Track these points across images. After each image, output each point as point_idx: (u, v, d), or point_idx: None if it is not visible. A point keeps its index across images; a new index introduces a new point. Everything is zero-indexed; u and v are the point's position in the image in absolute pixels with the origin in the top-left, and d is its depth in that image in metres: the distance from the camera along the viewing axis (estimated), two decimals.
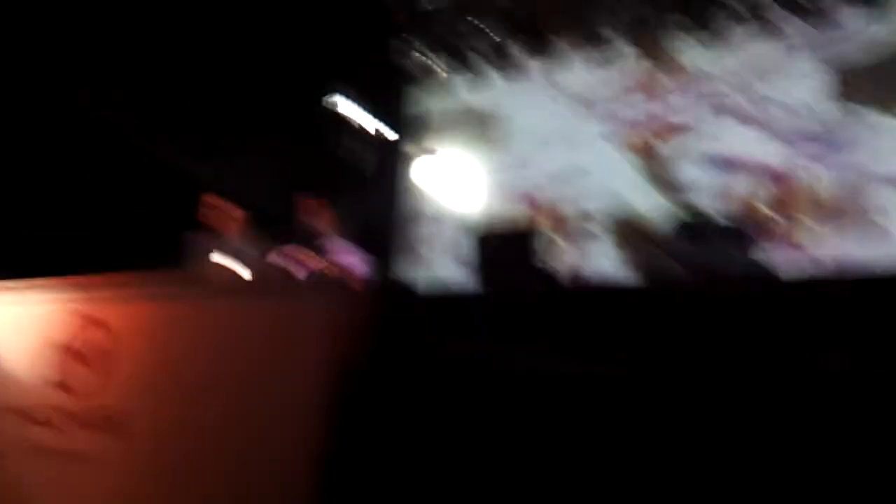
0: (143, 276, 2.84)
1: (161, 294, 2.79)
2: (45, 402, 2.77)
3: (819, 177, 4.97)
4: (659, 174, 5.43)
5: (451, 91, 6.25)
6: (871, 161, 4.83)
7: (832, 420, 1.98)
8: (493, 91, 6.13)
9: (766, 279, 2.47)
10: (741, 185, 5.18)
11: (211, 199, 4.12)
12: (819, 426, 1.99)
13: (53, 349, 2.83)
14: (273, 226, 3.87)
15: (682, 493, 2.03)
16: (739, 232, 2.61)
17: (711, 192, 5.17)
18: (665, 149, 5.49)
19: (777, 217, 5.03)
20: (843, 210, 4.85)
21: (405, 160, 5.84)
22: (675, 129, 5.48)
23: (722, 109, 5.34)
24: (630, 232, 5.16)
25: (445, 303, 2.73)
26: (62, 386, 2.77)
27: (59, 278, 2.92)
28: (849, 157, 4.89)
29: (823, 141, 4.98)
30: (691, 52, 5.52)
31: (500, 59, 5.85)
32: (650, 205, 5.31)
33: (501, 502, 2.21)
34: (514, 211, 5.76)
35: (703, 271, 2.44)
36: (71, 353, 2.79)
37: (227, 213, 4.06)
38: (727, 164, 5.24)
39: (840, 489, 1.92)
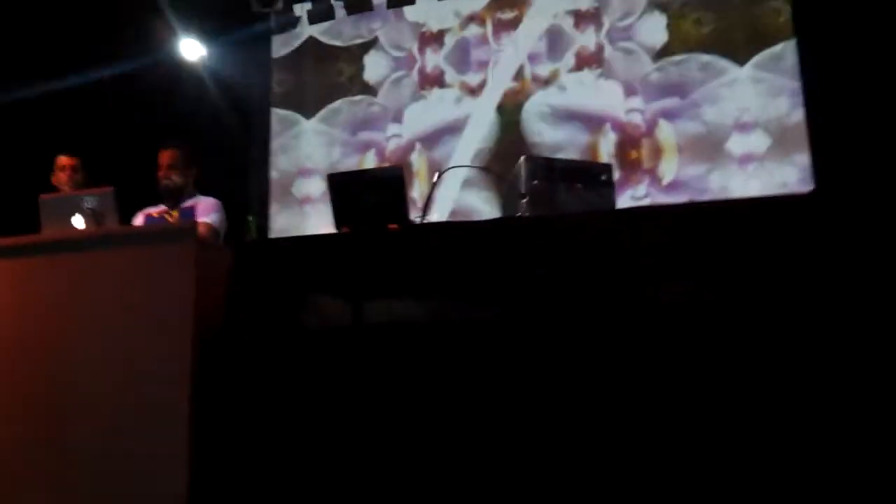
0: None
1: (4, 252, 2.64)
2: None
3: (670, 127, 5.16)
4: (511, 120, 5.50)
5: (304, 31, 6.10)
6: (720, 110, 5.05)
7: (677, 351, 2.07)
8: (345, 30, 6.04)
9: (613, 213, 2.54)
10: (591, 137, 5.33)
11: (65, 159, 3.94)
12: (662, 358, 2.07)
13: None
14: (133, 182, 3.73)
15: (551, 429, 2.08)
16: (587, 171, 2.66)
17: (562, 146, 5.32)
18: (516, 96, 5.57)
19: (625, 166, 5.22)
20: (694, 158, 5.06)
21: (263, 107, 5.70)
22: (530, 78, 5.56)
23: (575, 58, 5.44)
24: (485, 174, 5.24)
25: (305, 248, 2.67)
26: None
27: None
28: (699, 107, 5.10)
29: (674, 91, 5.17)
30: None
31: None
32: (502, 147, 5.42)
33: (366, 451, 2.21)
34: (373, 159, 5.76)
35: (551, 209, 2.48)
36: None
37: (81, 173, 3.94)
38: (578, 117, 5.36)
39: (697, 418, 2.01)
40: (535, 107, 5.46)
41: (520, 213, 2.51)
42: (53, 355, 2.48)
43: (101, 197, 2.83)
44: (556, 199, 2.53)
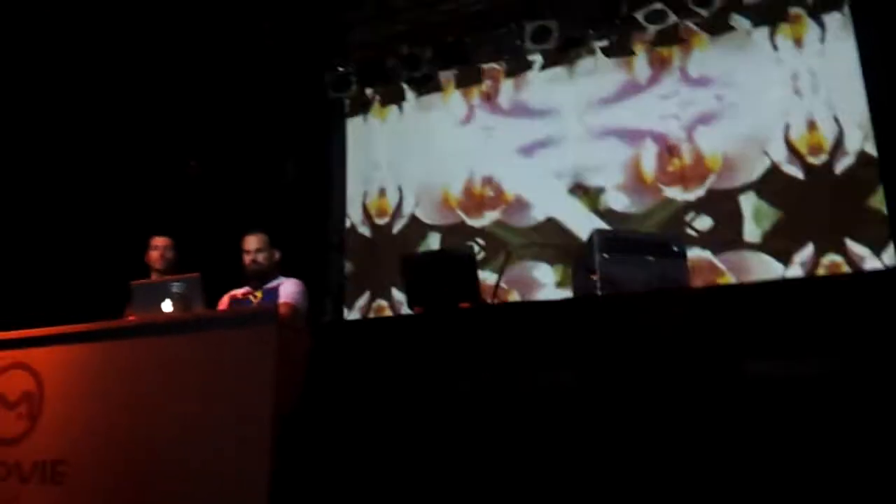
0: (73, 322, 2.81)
1: (92, 336, 2.76)
2: None
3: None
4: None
5: (383, 119, 6.23)
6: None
7: (744, 423, 2.01)
8: (419, 115, 6.10)
9: (685, 290, 2.51)
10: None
11: (159, 240, 4.10)
12: (732, 429, 2.02)
13: None
14: (218, 264, 3.87)
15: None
16: (658, 243, 2.64)
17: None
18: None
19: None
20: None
21: (342, 191, 5.86)
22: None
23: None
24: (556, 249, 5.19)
25: (380, 329, 2.73)
26: None
27: None
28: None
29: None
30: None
31: (425, 83, 5.89)
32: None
33: None
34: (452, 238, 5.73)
35: (624, 284, 2.46)
36: None
37: (173, 253, 4.05)
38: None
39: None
40: None
41: (591, 291, 2.51)
42: (138, 436, 2.56)
43: (189, 283, 2.96)
44: (628, 274, 2.51)
